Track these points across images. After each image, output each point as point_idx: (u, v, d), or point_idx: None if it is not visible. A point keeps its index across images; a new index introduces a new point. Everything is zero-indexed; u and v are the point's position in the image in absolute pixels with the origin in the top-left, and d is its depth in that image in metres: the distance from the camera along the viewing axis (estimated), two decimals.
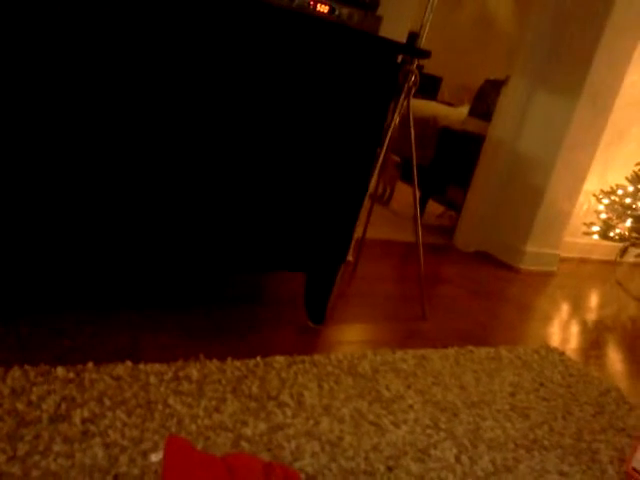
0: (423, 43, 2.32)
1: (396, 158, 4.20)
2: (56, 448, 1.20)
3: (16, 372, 1.38)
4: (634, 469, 1.69)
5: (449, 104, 6.59)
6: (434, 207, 4.35)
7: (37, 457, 1.17)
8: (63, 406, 1.32)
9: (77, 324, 1.67)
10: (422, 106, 5.39)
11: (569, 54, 3.41)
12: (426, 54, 2.04)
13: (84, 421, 1.30)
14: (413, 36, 2.40)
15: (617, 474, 1.68)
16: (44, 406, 1.30)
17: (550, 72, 3.49)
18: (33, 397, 1.32)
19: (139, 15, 1.43)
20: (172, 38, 1.49)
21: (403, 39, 2.64)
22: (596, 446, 1.79)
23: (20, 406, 1.28)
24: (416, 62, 2.32)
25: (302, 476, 1.32)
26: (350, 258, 2.72)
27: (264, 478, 1.14)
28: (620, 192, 3.84)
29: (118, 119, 1.50)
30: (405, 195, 4.12)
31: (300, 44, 1.67)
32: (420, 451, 1.53)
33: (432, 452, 1.54)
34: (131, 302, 1.89)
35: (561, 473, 1.61)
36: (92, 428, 1.28)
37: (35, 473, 1.14)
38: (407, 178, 4.03)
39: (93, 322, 1.71)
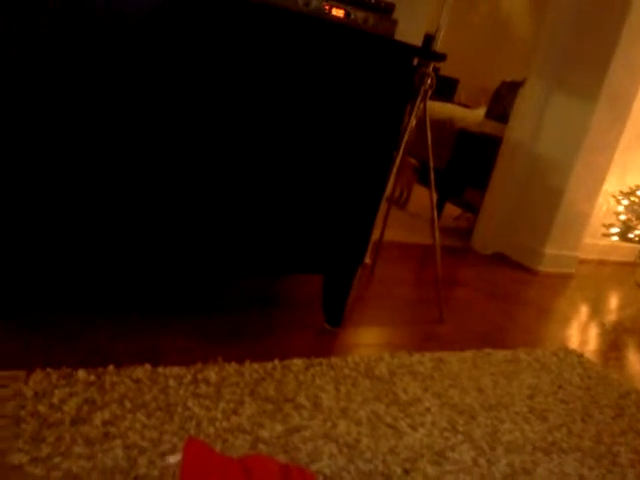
0: (439, 45, 2.32)
1: (413, 161, 4.19)
2: (77, 450, 1.22)
3: (38, 375, 1.40)
4: None
5: (466, 106, 6.57)
6: (451, 209, 4.34)
7: (59, 459, 1.19)
8: (84, 408, 1.34)
9: (97, 327, 1.70)
10: (439, 108, 5.37)
11: (586, 56, 3.39)
12: (442, 57, 2.05)
13: (105, 423, 1.31)
14: (429, 38, 2.40)
15: (637, 478, 1.67)
16: (66, 408, 1.32)
17: (567, 74, 3.47)
18: (55, 400, 1.34)
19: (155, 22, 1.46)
20: (190, 43, 1.51)
21: (419, 42, 2.64)
22: (616, 449, 1.78)
23: (42, 408, 1.30)
24: (432, 65, 2.33)
25: (319, 478, 1.33)
26: (368, 261, 2.73)
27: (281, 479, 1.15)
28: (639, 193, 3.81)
29: (126, 123, 1.52)
30: (422, 198, 4.11)
31: (317, 49, 1.69)
32: (437, 454, 1.53)
33: (449, 455, 1.54)
34: (150, 306, 1.91)
35: (581, 476, 1.60)
36: (112, 430, 1.30)
37: (57, 474, 1.16)
38: (424, 181, 4.02)
39: (113, 326, 1.73)
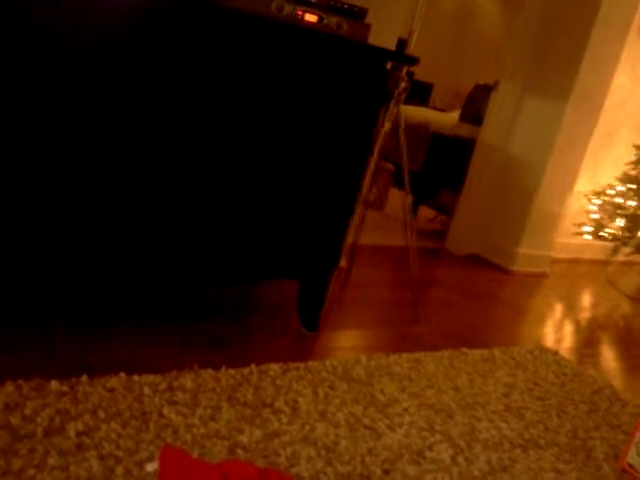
0: (413, 50, 2.34)
1: (390, 167, 4.21)
2: (51, 462, 1.20)
3: (9, 387, 1.38)
4: (630, 465, 1.70)
5: (440, 110, 6.63)
6: (426, 212, 4.37)
7: (32, 471, 1.17)
8: (57, 419, 1.32)
9: (70, 337, 1.68)
10: (413, 112, 5.42)
11: (557, 58, 3.44)
12: (414, 60, 2.06)
13: (79, 434, 1.30)
14: (402, 43, 2.42)
15: (613, 470, 1.69)
16: (38, 420, 1.30)
17: (538, 76, 3.52)
18: (27, 411, 1.32)
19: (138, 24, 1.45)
20: (161, 50, 1.51)
21: (392, 46, 2.66)
22: (591, 443, 1.80)
23: (14, 420, 1.28)
24: (405, 69, 2.34)
25: None
26: (343, 264, 2.74)
27: None
28: (611, 192, 3.87)
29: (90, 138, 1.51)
30: (398, 200, 4.14)
31: (290, 54, 1.69)
32: (416, 453, 1.54)
33: (428, 454, 1.55)
34: (123, 315, 1.89)
35: (557, 471, 1.62)
36: (87, 440, 1.29)
37: None
38: (400, 184, 4.04)
39: (86, 335, 1.71)
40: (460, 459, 1.56)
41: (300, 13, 1.71)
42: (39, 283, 1.57)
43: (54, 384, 1.43)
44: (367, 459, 1.47)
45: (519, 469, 1.59)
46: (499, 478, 1.53)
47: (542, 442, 1.74)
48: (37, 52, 1.37)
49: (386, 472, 1.44)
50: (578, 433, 1.84)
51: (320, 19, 1.74)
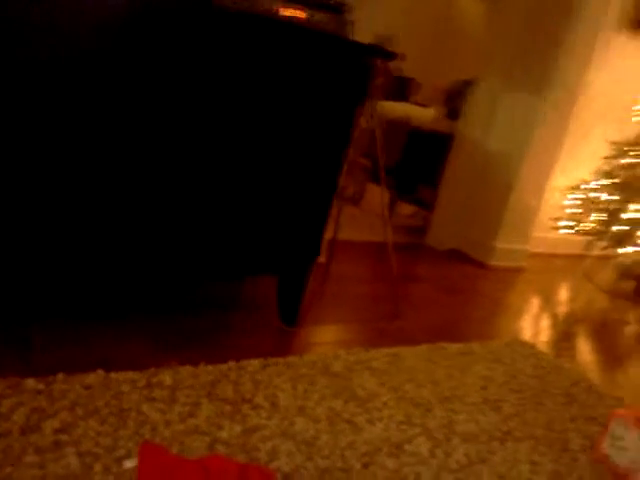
0: (394, 45, 2.35)
1: (364, 162, 4.22)
2: (28, 459, 1.19)
3: None
4: (605, 455, 1.72)
5: (422, 105, 6.64)
6: (406, 207, 4.39)
7: (9, 469, 1.16)
8: (34, 417, 1.31)
9: (45, 335, 1.66)
10: (394, 107, 5.43)
11: (534, 54, 3.47)
12: (394, 56, 2.07)
13: (56, 431, 1.29)
14: (383, 38, 2.43)
15: (588, 462, 1.71)
16: (14, 417, 1.29)
17: (516, 72, 3.55)
18: (3, 409, 1.31)
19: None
20: (143, 46, 1.50)
21: (373, 42, 2.66)
22: (567, 435, 1.82)
23: None
24: (386, 64, 2.35)
25: (279, 476, 1.32)
26: (322, 260, 2.74)
27: (240, 478, 1.15)
28: (585, 187, 3.91)
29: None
30: (376, 196, 4.14)
31: (270, 49, 1.68)
32: (395, 447, 1.55)
33: (407, 447, 1.56)
34: (101, 311, 1.88)
35: (533, 463, 1.64)
36: (64, 438, 1.27)
37: None
38: (378, 179, 4.05)
39: (62, 332, 1.69)
40: (438, 452, 1.57)
41: (280, 8, 1.70)
42: (14, 280, 1.55)
43: (30, 382, 1.41)
44: (347, 453, 1.47)
45: (496, 461, 1.60)
46: (477, 470, 1.54)
47: (519, 434, 1.76)
48: (33, 51, 1.35)
49: (365, 465, 1.45)
50: (554, 425, 1.86)
51: (301, 13, 1.74)
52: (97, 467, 1.22)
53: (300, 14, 1.74)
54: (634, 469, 1.67)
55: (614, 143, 3.85)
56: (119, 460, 1.25)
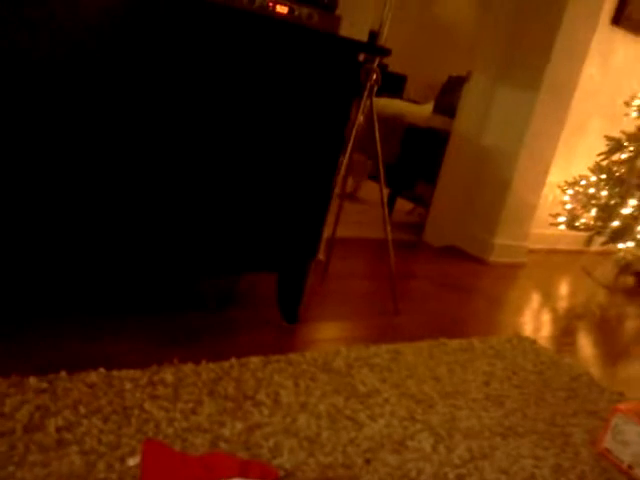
0: (386, 42, 2.34)
1: (361, 158, 4.23)
2: (32, 458, 1.19)
3: None
4: (606, 449, 1.73)
5: (415, 102, 6.65)
6: (403, 204, 4.39)
7: (12, 468, 1.16)
8: (37, 416, 1.31)
9: (47, 333, 1.66)
10: (388, 104, 5.43)
11: (528, 48, 3.47)
12: (386, 51, 2.07)
13: (59, 430, 1.29)
14: (374, 34, 2.42)
15: (590, 456, 1.72)
16: (18, 416, 1.29)
17: (510, 67, 3.55)
18: (6, 409, 1.31)
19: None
20: (132, 41, 1.49)
21: (364, 38, 2.66)
22: (569, 430, 1.83)
23: None
24: (377, 60, 2.34)
25: (281, 472, 1.33)
26: (322, 257, 2.74)
27: (242, 475, 1.15)
28: (584, 182, 3.92)
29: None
30: (374, 193, 4.15)
31: (261, 46, 1.68)
32: (397, 443, 1.55)
33: (409, 443, 1.56)
34: (102, 309, 1.88)
35: (536, 457, 1.64)
36: (68, 436, 1.28)
37: None
38: (374, 176, 4.06)
39: (64, 330, 1.69)
40: (441, 448, 1.58)
41: (271, 4, 1.70)
42: (17, 278, 1.55)
43: (33, 380, 1.41)
44: (349, 449, 1.48)
45: (499, 456, 1.61)
46: (479, 465, 1.54)
47: (521, 430, 1.76)
48: (29, 48, 1.35)
49: (368, 462, 1.45)
50: (556, 420, 1.87)
51: (291, 10, 1.73)
52: (100, 465, 1.22)
53: (291, 10, 1.74)
54: (636, 463, 1.67)
55: (611, 138, 3.86)
56: (122, 458, 1.25)
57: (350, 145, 2.36)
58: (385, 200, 2.46)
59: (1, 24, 1.32)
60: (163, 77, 1.56)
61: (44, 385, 1.41)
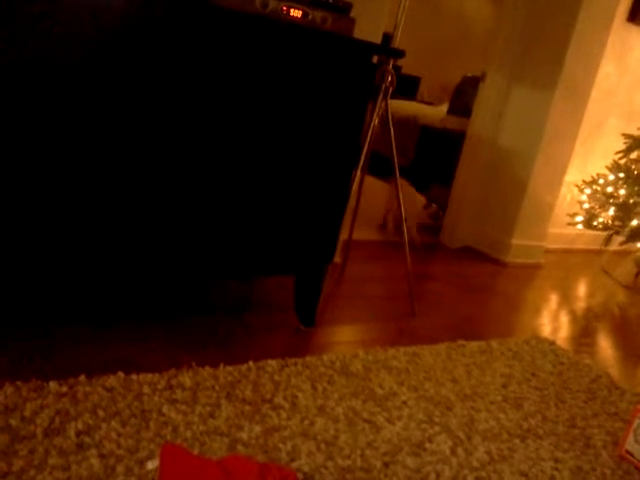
0: (400, 44, 2.34)
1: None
2: (52, 462, 1.20)
3: (8, 389, 1.38)
4: (627, 452, 1.71)
5: (429, 103, 6.64)
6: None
7: (33, 472, 1.17)
8: (57, 420, 1.32)
9: (67, 338, 1.67)
10: (402, 106, 5.42)
11: (543, 48, 3.45)
12: (400, 53, 2.07)
13: (79, 433, 1.30)
14: (387, 37, 2.42)
15: (611, 458, 1.70)
16: (38, 421, 1.30)
17: (525, 66, 3.53)
18: (27, 412, 1.32)
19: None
20: (145, 46, 1.50)
21: (378, 40, 2.66)
22: (589, 432, 1.81)
23: (14, 422, 1.28)
24: (392, 62, 2.34)
25: (299, 475, 1.32)
26: (338, 260, 2.74)
27: (260, 478, 1.15)
28: (601, 181, 3.88)
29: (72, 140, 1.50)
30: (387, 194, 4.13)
31: (276, 51, 1.69)
32: (415, 445, 1.54)
33: (427, 446, 1.55)
34: (119, 314, 1.89)
35: (556, 460, 1.63)
36: (87, 440, 1.28)
37: None
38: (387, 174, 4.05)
39: (83, 336, 1.71)
40: (459, 450, 1.57)
41: (285, 9, 1.70)
42: (36, 283, 1.57)
43: (53, 385, 1.42)
44: (367, 452, 1.47)
45: (518, 459, 1.59)
46: (498, 468, 1.53)
47: (540, 432, 1.75)
48: (32, 53, 1.36)
49: (386, 465, 1.45)
50: (576, 422, 1.85)
51: (305, 14, 1.74)
52: (119, 468, 1.23)
53: (305, 14, 1.74)
54: None
55: (629, 136, 3.81)
56: (141, 462, 1.26)
57: (366, 147, 2.36)
58: (401, 201, 2.46)
59: (6, 28, 1.33)
60: (182, 82, 1.57)
61: (64, 389, 1.42)
